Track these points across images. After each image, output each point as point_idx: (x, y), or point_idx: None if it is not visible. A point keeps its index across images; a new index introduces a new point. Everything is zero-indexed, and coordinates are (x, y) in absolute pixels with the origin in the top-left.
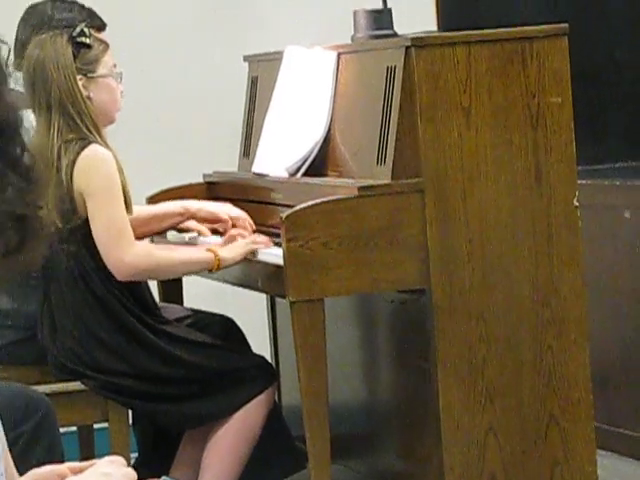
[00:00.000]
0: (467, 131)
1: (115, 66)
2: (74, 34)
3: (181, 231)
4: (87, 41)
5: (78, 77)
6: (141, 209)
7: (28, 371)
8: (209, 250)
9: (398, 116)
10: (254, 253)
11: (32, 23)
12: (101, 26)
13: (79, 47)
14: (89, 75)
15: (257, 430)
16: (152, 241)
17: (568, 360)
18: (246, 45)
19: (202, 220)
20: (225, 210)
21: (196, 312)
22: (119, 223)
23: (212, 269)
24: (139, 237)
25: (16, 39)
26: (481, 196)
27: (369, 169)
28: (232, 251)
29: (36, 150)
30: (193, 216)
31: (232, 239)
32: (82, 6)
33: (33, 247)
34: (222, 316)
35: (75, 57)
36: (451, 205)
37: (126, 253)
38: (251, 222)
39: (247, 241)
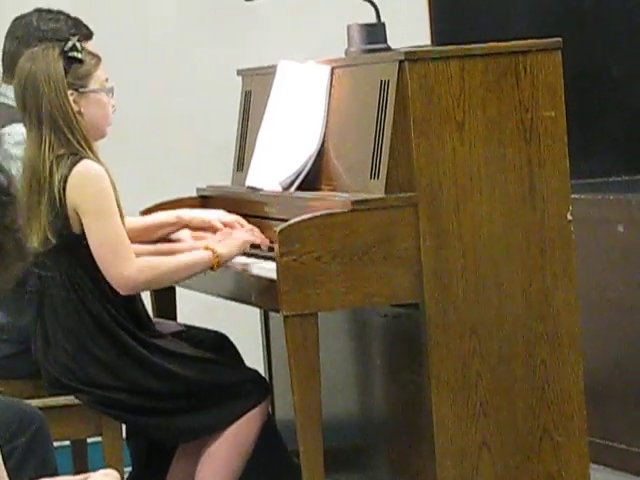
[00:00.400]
0: (461, 145)
1: (107, 80)
2: (66, 48)
3: (171, 241)
4: (79, 56)
5: (69, 92)
6: (134, 220)
7: (22, 385)
8: (206, 248)
9: (392, 130)
10: (248, 267)
11: (18, 35)
12: (88, 35)
13: (71, 62)
14: (80, 90)
15: (251, 444)
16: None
17: (561, 374)
18: (239, 59)
19: (196, 229)
20: (218, 217)
21: (189, 328)
22: (116, 238)
23: (213, 267)
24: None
25: (3, 52)
26: (474, 210)
27: (363, 183)
28: (229, 246)
29: (29, 164)
30: (186, 225)
31: (227, 235)
32: (68, 16)
33: (7, 268)
34: (216, 332)
35: (66, 72)
36: (445, 219)
37: (125, 267)
38: (244, 223)
39: (243, 234)
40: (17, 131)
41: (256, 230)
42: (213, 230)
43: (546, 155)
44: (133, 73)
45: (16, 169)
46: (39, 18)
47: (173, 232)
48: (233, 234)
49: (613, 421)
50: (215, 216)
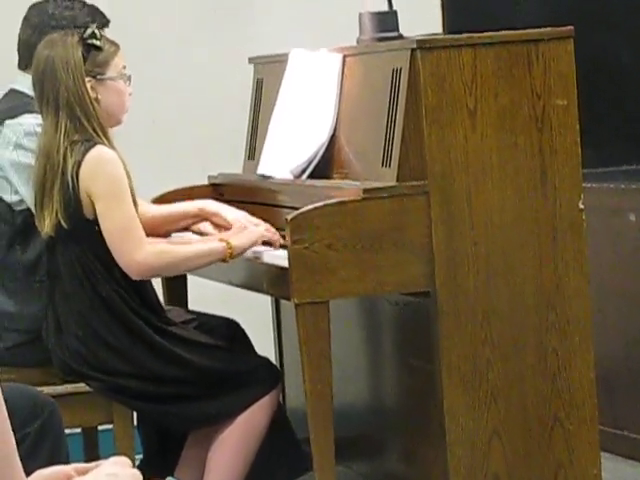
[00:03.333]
0: (472, 133)
1: (125, 67)
2: (85, 36)
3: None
4: (97, 43)
5: (87, 79)
6: (155, 208)
7: (33, 373)
8: (220, 240)
9: (403, 118)
10: (260, 255)
11: (33, 22)
12: (104, 23)
13: (89, 49)
14: (98, 77)
15: (262, 431)
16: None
17: (572, 363)
18: (251, 47)
19: (216, 226)
20: (240, 219)
21: (201, 315)
22: (129, 223)
23: (225, 258)
24: (155, 236)
25: (18, 39)
26: (486, 198)
27: (374, 171)
28: (243, 238)
29: (44, 149)
30: (206, 219)
31: (242, 229)
32: (84, 3)
33: None
34: (227, 319)
35: (85, 59)
36: (456, 207)
37: (138, 253)
38: (262, 224)
39: (259, 229)
40: (29, 122)
41: (272, 229)
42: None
43: (558, 143)
44: (147, 61)
45: (26, 159)
46: (55, 6)
47: (194, 224)
48: (249, 228)
49: (624, 410)
50: (237, 217)
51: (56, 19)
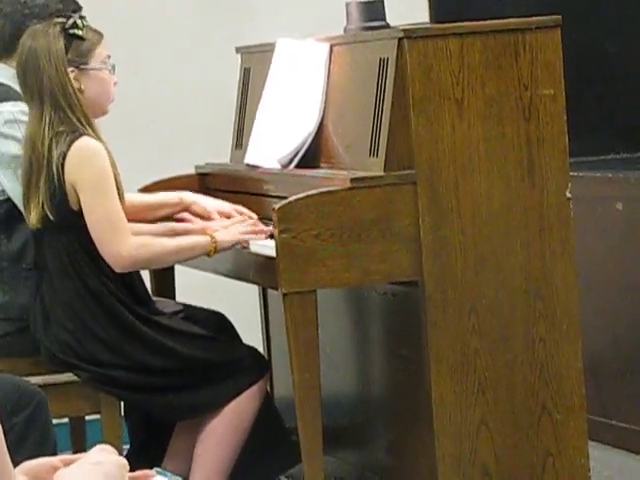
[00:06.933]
0: (460, 123)
1: (109, 57)
2: (67, 25)
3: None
4: (80, 33)
5: (70, 69)
6: (136, 197)
7: (20, 362)
8: (206, 234)
9: (391, 108)
10: (247, 244)
11: (6, 11)
12: (76, 9)
13: (72, 39)
14: (81, 67)
15: (250, 421)
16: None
17: (560, 352)
18: (238, 37)
19: (194, 214)
20: (217, 207)
21: (188, 307)
22: (114, 216)
23: (210, 253)
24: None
25: None
26: (473, 188)
27: (362, 161)
28: (228, 233)
29: (29, 141)
30: (186, 208)
31: (229, 225)
32: None
33: None
34: (214, 311)
35: (67, 49)
36: (443, 197)
37: (122, 246)
38: (244, 210)
39: (246, 227)
40: (7, 109)
41: (256, 221)
42: (210, 220)
43: (545, 133)
44: (133, 51)
45: (6, 147)
46: None
47: (175, 213)
48: (235, 225)
49: (611, 399)
50: (215, 206)
51: (29, 7)
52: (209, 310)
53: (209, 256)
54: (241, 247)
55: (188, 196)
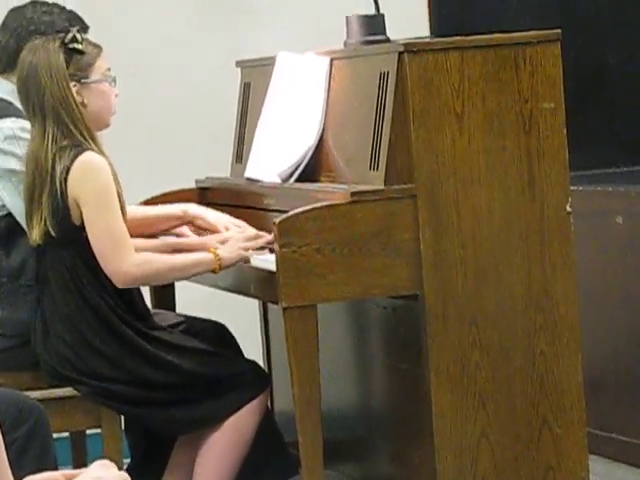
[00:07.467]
0: (460, 137)
1: (109, 69)
2: (66, 40)
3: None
4: (79, 47)
5: (72, 83)
6: (140, 210)
7: (20, 377)
8: (209, 251)
9: (391, 122)
10: (248, 259)
11: (11, 27)
12: (82, 29)
13: (72, 53)
14: (82, 81)
15: (250, 436)
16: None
17: (560, 365)
18: (239, 51)
19: (199, 228)
20: (223, 222)
21: (189, 318)
22: (116, 231)
23: (214, 270)
24: (136, 237)
25: None
26: (474, 202)
27: (362, 175)
28: (231, 250)
29: (32, 156)
30: (191, 222)
31: (230, 239)
32: (63, 9)
33: None
34: (215, 322)
35: (68, 63)
36: (444, 211)
37: (124, 262)
38: (248, 227)
39: (249, 243)
40: (8, 125)
41: (260, 234)
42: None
43: (545, 146)
44: (134, 64)
45: (6, 163)
46: (33, 10)
47: (178, 226)
48: (233, 238)
49: (612, 412)
50: (221, 221)
51: (35, 24)
52: (210, 321)
53: (214, 272)
54: (243, 261)
55: (193, 209)
